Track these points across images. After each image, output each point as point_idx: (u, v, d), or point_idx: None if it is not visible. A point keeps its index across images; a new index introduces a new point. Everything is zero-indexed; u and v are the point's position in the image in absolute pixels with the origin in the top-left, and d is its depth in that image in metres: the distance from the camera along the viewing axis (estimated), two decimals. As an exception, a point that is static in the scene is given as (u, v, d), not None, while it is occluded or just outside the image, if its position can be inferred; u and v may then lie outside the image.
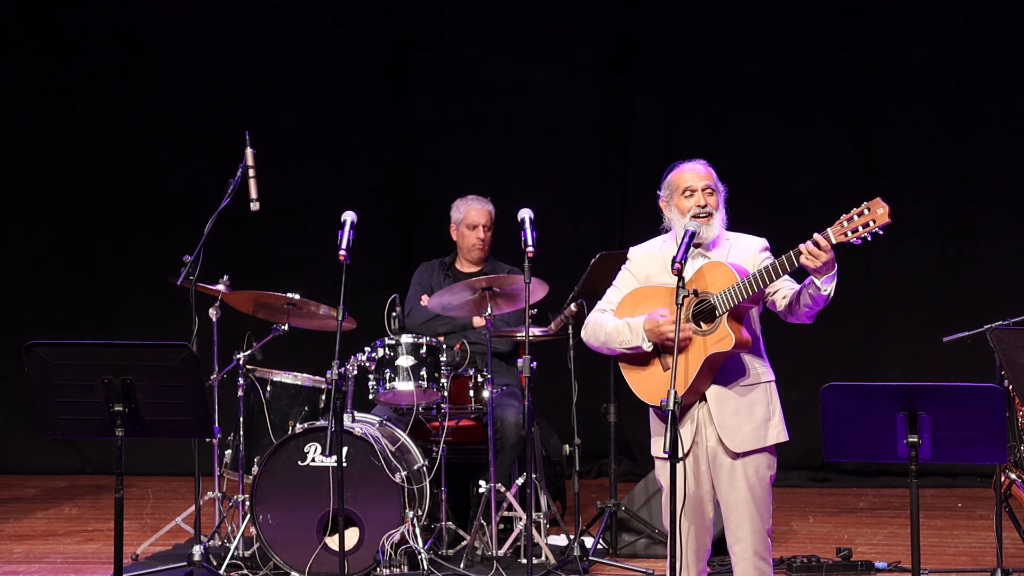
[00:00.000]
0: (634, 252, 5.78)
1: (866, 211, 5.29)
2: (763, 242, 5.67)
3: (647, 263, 5.70)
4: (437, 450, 7.55)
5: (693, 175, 5.67)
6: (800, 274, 5.45)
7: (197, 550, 7.27)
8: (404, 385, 7.57)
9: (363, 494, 7.24)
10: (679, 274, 5.33)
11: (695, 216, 5.59)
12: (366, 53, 10.46)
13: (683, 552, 5.53)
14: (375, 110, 10.48)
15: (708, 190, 5.64)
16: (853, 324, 10.11)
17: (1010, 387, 6.20)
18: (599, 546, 7.72)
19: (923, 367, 9.62)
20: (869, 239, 5.31)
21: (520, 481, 7.61)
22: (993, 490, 6.94)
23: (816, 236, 5.35)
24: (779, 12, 10.17)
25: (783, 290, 5.52)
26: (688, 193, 5.64)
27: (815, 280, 5.36)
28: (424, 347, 7.60)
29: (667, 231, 5.74)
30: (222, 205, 7.45)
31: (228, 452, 7.74)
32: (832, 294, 5.39)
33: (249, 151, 7.49)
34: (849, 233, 5.31)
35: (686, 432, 5.53)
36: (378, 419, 7.61)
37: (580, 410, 7.70)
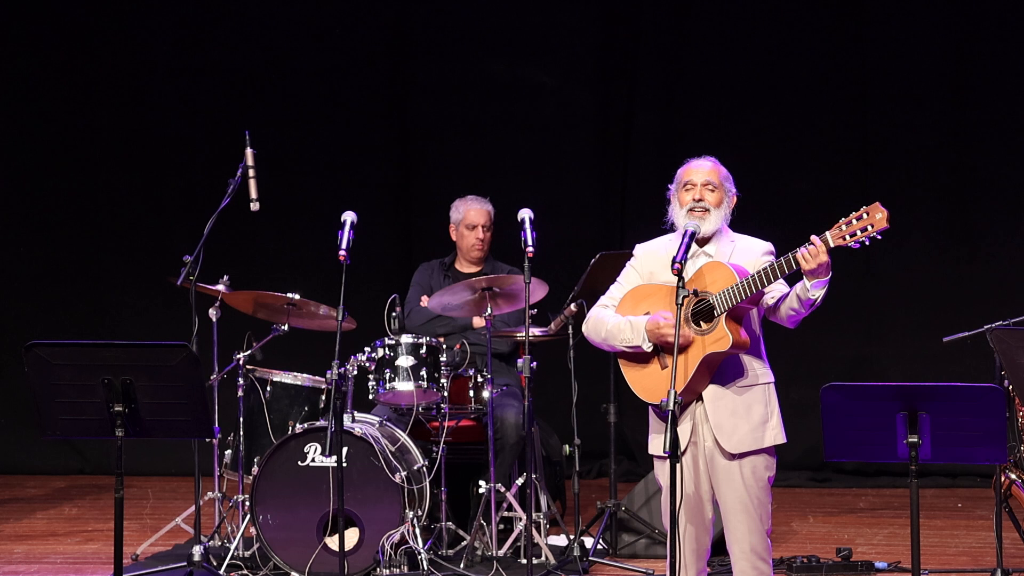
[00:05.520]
0: (639, 249, 5.79)
1: (864, 215, 5.29)
2: (768, 246, 5.66)
3: (651, 260, 5.71)
4: (437, 450, 7.55)
5: (697, 170, 5.69)
6: (795, 277, 5.45)
7: (197, 550, 7.27)
8: (404, 385, 7.57)
9: (363, 494, 7.24)
10: (679, 274, 5.34)
11: (690, 210, 5.60)
12: (366, 53, 10.46)
13: (682, 552, 5.53)
14: (375, 110, 10.48)
15: (709, 186, 5.64)
16: (853, 324, 10.11)
17: (1010, 387, 6.20)
18: (599, 546, 7.72)
19: (923, 367, 9.62)
20: (867, 243, 5.31)
21: (520, 481, 7.61)
22: (993, 490, 6.94)
23: (814, 238, 5.35)
24: (779, 12, 10.17)
25: (773, 291, 5.52)
26: (688, 187, 5.66)
27: (806, 282, 5.36)
28: (424, 347, 7.60)
29: (667, 229, 5.75)
30: (222, 205, 7.45)
31: (228, 452, 7.74)
32: (820, 301, 5.39)
33: (249, 151, 7.50)
34: (847, 237, 5.31)
35: (683, 431, 5.53)
36: (378, 419, 7.61)
37: (580, 410, 7.70)
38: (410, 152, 10.56)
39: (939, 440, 5.22)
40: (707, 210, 5.62)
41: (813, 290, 5.36)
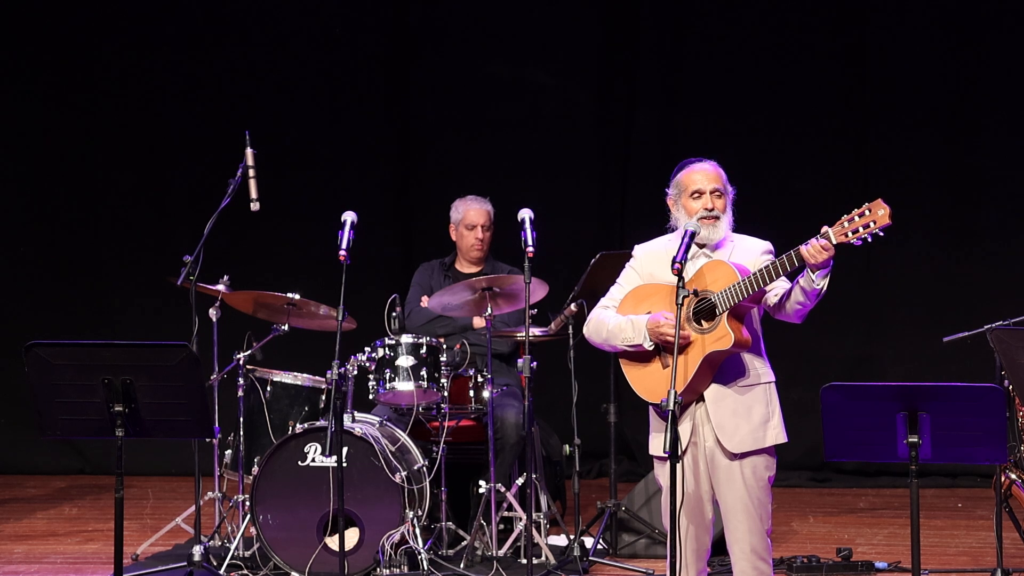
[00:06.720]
0: (639, 250, 5.78)
1: (867, 212, 5.29)
2: (767, 245, 5.66)
3: (651, 261, 5.70)
4: (437, 450, 7.55)
5: (703, 176, 5.65)
6: (795, 273, 5.45)
7: (197, 550, 7.27)
8: (404, 385, 7.57)
9: (363, 494, 7.24)
10: (679, 274, 5.33)
11: (702, 219, 5.59)
12: (366, 53, 10.46)
13: (683, 552, 5.53)
14: (375, 110, 10.48)
15: (716, 192, 5.63)
16: (853, 324, 10.11)
17: (1010, 387, 6.19)
18: (599, 546, 7.72)
19: (923, 367, 9.62)
20: (869, 240, 5.31)
21: (520, 481, 7.61)
22: (993, 490, 6.94)
23: (825, 230, 5.33)
24: (779, 12, 10.17)
25: (776, 288, 5.51)
26: (696, 195, 5.63)
27: (810, 273, 5.35)
28: (424, 347, 7.60)
29: (671, 230, 5.74)
30: (222, 205, 7.45)
31: (228, 452, 7.74)
32: (824, 290, 5.39)
33: (249, 151, 7.50)
34: (850, 234, 5.30)
35: (683, 431, 5.53)
36: (378, 419, 7.61)
37: (580, 410, 7.70)
38: (410, 152, 10.56)
39: (939, 440, 5.22)
40: (718, 218, 5.61)
41: (818, 279, 5.34)
